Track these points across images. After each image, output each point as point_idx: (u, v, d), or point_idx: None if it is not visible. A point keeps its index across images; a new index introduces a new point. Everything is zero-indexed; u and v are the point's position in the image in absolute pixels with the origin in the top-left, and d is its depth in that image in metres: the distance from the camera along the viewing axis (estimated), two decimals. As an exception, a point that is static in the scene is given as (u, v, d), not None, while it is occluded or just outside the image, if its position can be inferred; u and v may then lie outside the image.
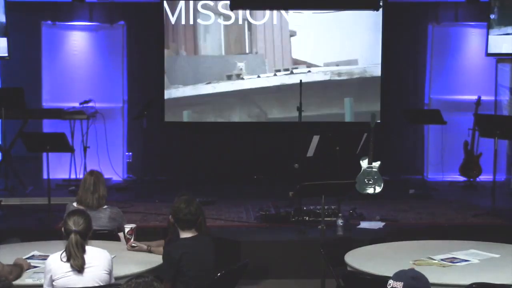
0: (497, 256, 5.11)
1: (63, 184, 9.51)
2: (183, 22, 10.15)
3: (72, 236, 4.28)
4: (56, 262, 4.30)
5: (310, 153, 7.55)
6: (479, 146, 9.80)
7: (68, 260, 4.26)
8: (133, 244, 5.23)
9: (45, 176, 8.98)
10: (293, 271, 6.93)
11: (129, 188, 9.69)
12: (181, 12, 10.14)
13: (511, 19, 9.86)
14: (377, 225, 7.58)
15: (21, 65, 9.98)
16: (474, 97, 9.94)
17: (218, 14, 10.14)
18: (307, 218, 7.53)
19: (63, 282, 4.25)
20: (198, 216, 4.80)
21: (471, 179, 9.90)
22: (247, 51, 10.18)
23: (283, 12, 10.06)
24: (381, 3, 8.58)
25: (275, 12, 10.06)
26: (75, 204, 5.75)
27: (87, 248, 4.35)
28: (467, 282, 4.40)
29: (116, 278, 4.45)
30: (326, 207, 6.86)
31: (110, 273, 4.37)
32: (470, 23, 10.41)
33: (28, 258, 4.94)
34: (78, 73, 10.16)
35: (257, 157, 10.31)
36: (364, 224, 7.60)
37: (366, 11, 9.58)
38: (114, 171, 9.98)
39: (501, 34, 9.87)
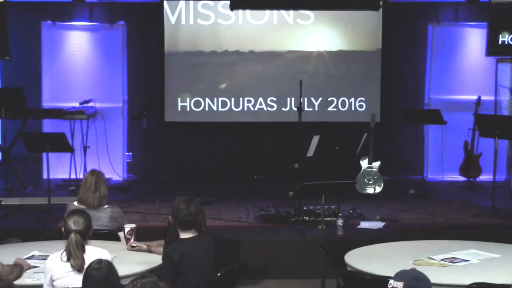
0: (497, 256, 5.11)
1: (63, 184, 9.50)
2: (183, 22, 10.15)
3: (72, 235, 4.28)
4: (56, 262, 4.30)
5: (310, 153, 7.55)
6: (479, 146, 9.80)
7: (68, 260, 4.27)
8: (133, 244, 5.23)
9: (45, 176, 8.99)
10: (293, 271, 6.93)
11: (129, 188, 9.69)
12: (181, 12, 10.14)
13: None
14: (377, 225, 7.57)
15: (21, 65, 9.98)
16: (474, 97, 9.94)
17: (218, 14, 10.13)
18: (307, 218, 7.52)
19: (63, 282, 4.26)
20: (198, 216, 4.79)
21: (471, 179, 9.90)
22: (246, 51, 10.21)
23: (283, 12, 10.06)
24: (381, 3, 8.59)
25: (275, 12, 10.06)
26: (75, 203, 5.75)
27: (87, 247, 4.35)
28: (467, 282, 4.41)
29: (116, 278, 4.44)
30: (326, 207, 6.86)
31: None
32: (470, 23, 10.41)
33: (28, 258, 4.94)
34: (78, 73, 10.15)
35: (257, 157, 10.32)
36: (364, 224, 7.59)
37: (366, 11, 9.58)
38: (114, 171, 9.98)
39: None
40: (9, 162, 9.30)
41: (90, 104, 9.59)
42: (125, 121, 10.29)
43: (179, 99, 10.26)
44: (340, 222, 7.20)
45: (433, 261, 4.96)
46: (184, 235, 4.77)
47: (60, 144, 7.89)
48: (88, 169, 8.17)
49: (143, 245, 5.23)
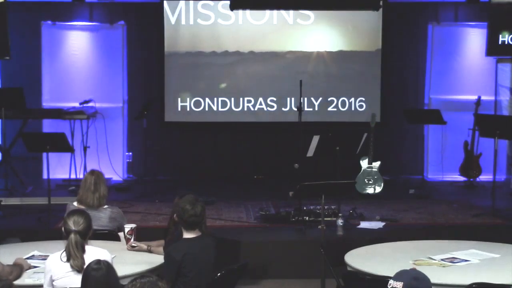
0: (497, 256, 5.12)
1: (63, 184, 9.50)
2: (183, 22, 10.15)
3: (72, 236, 4.28)
4: (56, 262, 4.30)
5: (310, 153, 7.55)
6: (479, 146, 9.80)
7: (68, 260, 4.26)
8: (133, 244, 5.24)
9: (45, 176, 8.99)
10: (293, 271, 6.92)
11: (129, 188, 9.69)
12: (181, 12, 10.14)
13: None
14: (377, 225, 7.57)
15: (21, 65, 9.98)
16: (474, 97, 9.94)
17: (218, 14, 10.13)
18: (307, 218, 7.52)
19: (63, 282, 4.25)
20: (203, 217, 4.79)
21: (471, 179, 9.90)
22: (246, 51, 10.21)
23: (283, 12, 10.06)
24: (381, 3, 8.59)
25: (275, 12, 10.06)
26: (75, 203, 5.75)
27: (87, 248, 4.35)
28: (467, 282, 4.41)
29: (116, 278, 4.44)
30: (326, 207, 6.86)
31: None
32: (470, 23, 10.41)
33: (28, 258, 4.94)
34: (78, 73, 10.16)
35: (257, 157, 10.32)
36: (364, 224, 7.59)
37: (366, 11, 9.58)
38: (114, 171, 9.98)
39: None
40: (9, 162, 9.30)
41: (90, 104, 9.59)
42: (125, 121, 10.29)
43: (179, 99, 10.27)
44: (340, 222, 7.20)
45: (433, 261, 4.96)
46: (187, 235, 4.76)
47: (60, 144, 7.89)
48: (88, 169, 8.17)
49: (143, 245, 5.24)
